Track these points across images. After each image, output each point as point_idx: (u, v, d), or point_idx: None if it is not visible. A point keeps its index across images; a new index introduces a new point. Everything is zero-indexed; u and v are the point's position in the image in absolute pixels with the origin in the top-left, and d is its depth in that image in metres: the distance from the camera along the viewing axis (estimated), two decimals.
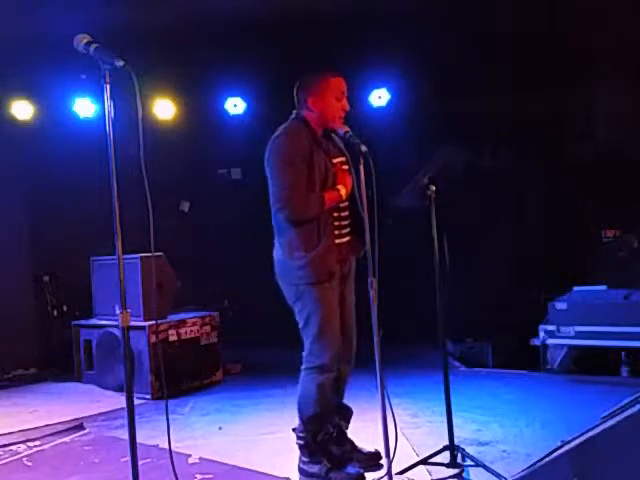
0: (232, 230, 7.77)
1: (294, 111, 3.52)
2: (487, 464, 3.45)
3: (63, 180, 6.82)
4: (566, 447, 2.37)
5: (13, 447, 4.36)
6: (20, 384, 6.46)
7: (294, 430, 3.58)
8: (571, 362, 5.98)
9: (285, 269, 3.44)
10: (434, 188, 3.52)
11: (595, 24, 6.24)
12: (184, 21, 6.19)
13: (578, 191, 7.10)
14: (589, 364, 5.86)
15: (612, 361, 5.82)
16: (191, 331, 5.94)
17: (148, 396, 5.51)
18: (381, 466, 3.48)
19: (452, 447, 3.53)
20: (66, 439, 4.52)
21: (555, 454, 2.40)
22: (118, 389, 5.67)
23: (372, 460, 3.59)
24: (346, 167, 3.52)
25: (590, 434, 2.30)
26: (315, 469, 3.48)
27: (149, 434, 4.25)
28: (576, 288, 6.22)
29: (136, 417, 2.45)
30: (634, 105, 6.60)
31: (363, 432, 3.87)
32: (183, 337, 5.86)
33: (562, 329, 5.92)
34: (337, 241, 3.44)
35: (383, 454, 3.14)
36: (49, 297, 7.07)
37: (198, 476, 3.63)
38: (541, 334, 6.07)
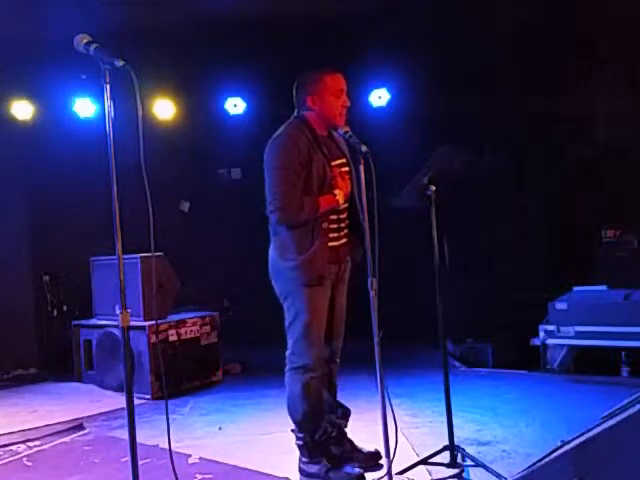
0: (232, 230, 7.76)
1: (296, 110, 3.52)
2: (487, 464, 3.44)
3: (63, 180, 6.80)
4: (566, 447, 2.37)
5: (13, 447, 4.35)
6: (20, 384, 6.45)
7: (293, 431, 3.58)
8: (571, 362, 5.98)
9: (277, 269, 3.46)
10: (434, 188, 3.52)
11: (596, 23, 6.25)
12: (184, 21, 6.21)
13: (578, 191, 7.10)
14: (589, 364, 5.86)
15: (612, 361, 5.82)
16: (191, 331, 5.94)
17: (148, 396, 5.50)
18: (381, 466, 3.47)
19: (452, 447, 3.53)
20: (66, 439, 4.52)
21: (555, 454, 2.40)
22: (118, 389, 5.67)
23: (372, 460, 3.59)
24: (346, 169, 3.51)
25: (590, 434, 2.30)
26: (315, 469, 3.48)
27: (149, 434, 4.24)
28: (576, 288, 6.22)
29: (136, 417, 2.45)
30: (634, 105, 6.60)
31: (363, 432, 3.87)
32: (183, 337, 5.86)
33: (562, 329, 5.91)
34: (334, 243, 3.44)
35: (383, 454, 3.14)
36: (49, 297, 7.06)
37: (198, 476, 3.63)
38: (541, 334, 6.06)
